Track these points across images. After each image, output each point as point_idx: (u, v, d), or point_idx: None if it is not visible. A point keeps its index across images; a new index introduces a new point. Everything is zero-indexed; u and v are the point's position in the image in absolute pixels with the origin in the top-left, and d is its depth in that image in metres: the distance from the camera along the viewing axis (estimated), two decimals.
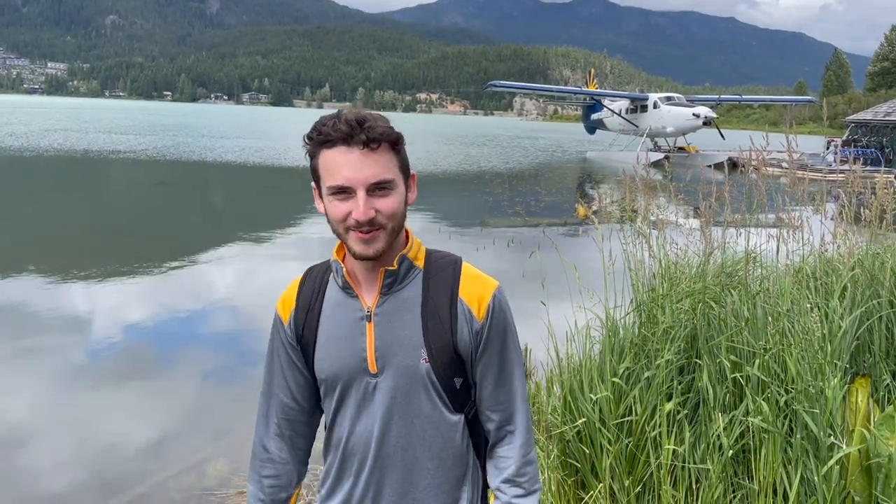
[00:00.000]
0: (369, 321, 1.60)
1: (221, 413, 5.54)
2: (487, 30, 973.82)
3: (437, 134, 75.78)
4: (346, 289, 1.63)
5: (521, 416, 1.67)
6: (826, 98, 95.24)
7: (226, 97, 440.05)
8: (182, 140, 44.42)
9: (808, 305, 3.62)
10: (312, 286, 1.70)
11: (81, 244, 12.28)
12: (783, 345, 3.60)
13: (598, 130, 47.60)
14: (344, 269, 1.62)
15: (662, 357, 3.84)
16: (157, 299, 8.62)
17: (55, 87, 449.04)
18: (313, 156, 1.53)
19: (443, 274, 1.64)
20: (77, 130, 49.21)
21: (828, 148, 34.39)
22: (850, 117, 40.79)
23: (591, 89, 49.32)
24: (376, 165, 1.50)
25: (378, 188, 1.51)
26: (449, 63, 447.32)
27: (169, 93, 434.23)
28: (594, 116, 46.95)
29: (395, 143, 1.54)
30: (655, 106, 38.87)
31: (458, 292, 1.61)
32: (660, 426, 3.63)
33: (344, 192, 1.51)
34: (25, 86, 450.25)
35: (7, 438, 4.99)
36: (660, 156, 35.03)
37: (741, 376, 3.65)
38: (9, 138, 37.86)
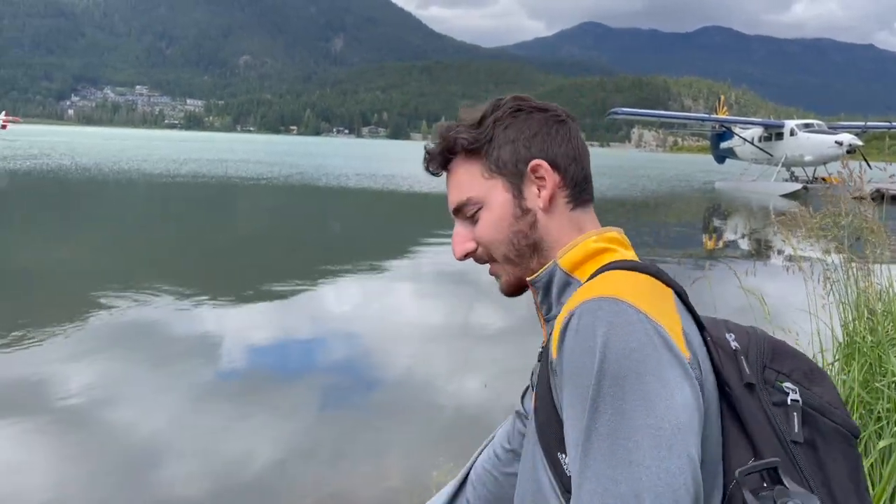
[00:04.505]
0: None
1: (330, 453, 4.89)
2: (605, 61, 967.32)
3: None
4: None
5: None
6: None
7: (346, 130, 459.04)
8: (318, 166, 45.69)
9: None
10: None
11: (213, 265, 12.18)
12: None
13: (727, 160, 45.21)
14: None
15: None
16: (279, 322, 8.23)
17: (192, 122, 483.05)
18: None
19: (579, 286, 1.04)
20: (214, 160, 51.64)
21: None
22: None
23: (722, 116, 47.07)
24: (453, 189, 1.16)
25: (466, 215, 1.15)
26: (565, 95, 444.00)
27: (294, 127, 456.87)
28: (724, 145, 44.65)
29: (467, 148, 1.12)
30: (792, 133, 36.38)
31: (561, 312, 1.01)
32: None
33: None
34: (166, 121, 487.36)
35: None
36: (796, 186, 32.68)
37: None
38: (145, 164, 40.00)
